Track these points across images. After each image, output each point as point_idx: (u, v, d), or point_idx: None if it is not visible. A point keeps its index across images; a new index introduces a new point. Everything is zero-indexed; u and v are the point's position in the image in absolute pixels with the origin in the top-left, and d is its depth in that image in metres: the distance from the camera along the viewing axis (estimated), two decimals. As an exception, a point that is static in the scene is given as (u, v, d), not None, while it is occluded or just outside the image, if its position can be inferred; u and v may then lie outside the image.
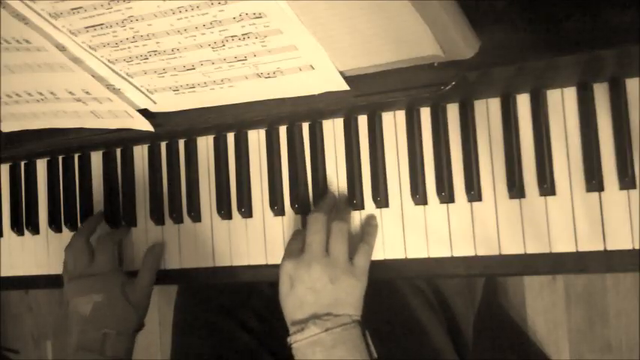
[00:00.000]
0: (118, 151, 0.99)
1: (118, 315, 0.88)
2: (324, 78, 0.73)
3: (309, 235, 0.77)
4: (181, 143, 0.95)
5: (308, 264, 0.75)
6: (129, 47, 0.74)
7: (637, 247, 0.71)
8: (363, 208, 0.84)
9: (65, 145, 0.98)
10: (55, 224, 1.03)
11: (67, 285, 0.92)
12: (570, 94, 0.75)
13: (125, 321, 0.88)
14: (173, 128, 0.86)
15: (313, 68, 0.72)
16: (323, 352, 0.73)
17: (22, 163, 1.07)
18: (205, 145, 0.93)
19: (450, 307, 1.00)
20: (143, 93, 0.82)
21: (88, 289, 0.89)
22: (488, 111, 0.78)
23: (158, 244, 0.93)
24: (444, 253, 0.79)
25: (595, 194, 0.73)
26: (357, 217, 0.84)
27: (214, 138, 0.92)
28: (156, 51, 0.74)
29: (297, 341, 0.74)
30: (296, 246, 0.79)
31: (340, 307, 0.75)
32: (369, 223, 0.82)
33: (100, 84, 0.79)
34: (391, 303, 0.92)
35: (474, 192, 0.78)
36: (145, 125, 0.84)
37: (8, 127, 0.92)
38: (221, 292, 1.05)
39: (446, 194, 0.79)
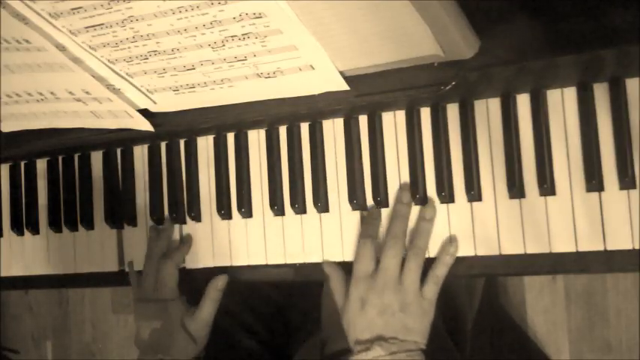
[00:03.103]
0: (118, 151, 0.99)
1: (174, 344, 0.88)
2: (324, 78, 0.73)
3: (386, 258, 0.77)
4: (181, 143, 0.95)
5: (382, 290, 0.76)
6: (129, 47, 0.74)
7: (637, 247, 0.71)
8: (363, 208, 0.83)
9: (65, 145, 0.98)
10: (55, 224, 1.03)
11: (134, 304, 0.92)
12: (570, 94, 0.75)
13: (180, 351, 0.88)
14: (173, 128, 0.86)
15: (313, 68, 0.72)
16: None
17: (22, 163, 1.07)
18: (205, 145, 0.93)
19: (449, 306, 1.00)
20: (143, 93, 0.82)
21: (150, 315, 0.89)
22: (488, 111, 0.78)
23: (222, 277, 0.90)
24: (444, 253, 0.79)
25: (595, 194, 0.73)
26: (357, 217, 0.84)
27: (214, 138, 0.92)
28: (156, 51, 0.74)
29: None
30: (367, 266, 0.78)
31: (407, 333, 0.75)
32: (447, 251, 0.78)
33: (100, 84, 0.79)
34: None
35: (473, 192, 0.78)
36: (145, 125, 0.84)
37: (8, 127, 0.92)
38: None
39: (446, 194, 0.79)
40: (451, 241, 0.78)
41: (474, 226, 0.78)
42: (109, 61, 0.77)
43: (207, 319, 0.90)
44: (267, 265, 0.89)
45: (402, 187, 0.81)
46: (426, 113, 0.81)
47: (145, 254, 0.94)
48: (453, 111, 0.80)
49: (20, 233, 1.07)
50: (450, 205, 0.79)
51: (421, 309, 0.76)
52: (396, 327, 0.75)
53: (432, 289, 0.77)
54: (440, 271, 0.77)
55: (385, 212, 0.82)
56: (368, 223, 0.82)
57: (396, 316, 0.75)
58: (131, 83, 0.80)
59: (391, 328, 0.75)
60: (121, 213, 0.98)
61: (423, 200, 0.81)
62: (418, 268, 0.77)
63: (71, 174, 1.03)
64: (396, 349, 0.73)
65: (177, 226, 0.95)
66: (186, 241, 0.93)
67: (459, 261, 0.79)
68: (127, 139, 0.94)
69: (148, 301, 0.90)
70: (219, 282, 0.90)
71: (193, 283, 0.94)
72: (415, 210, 0.81)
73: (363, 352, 0.74)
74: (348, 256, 0.84)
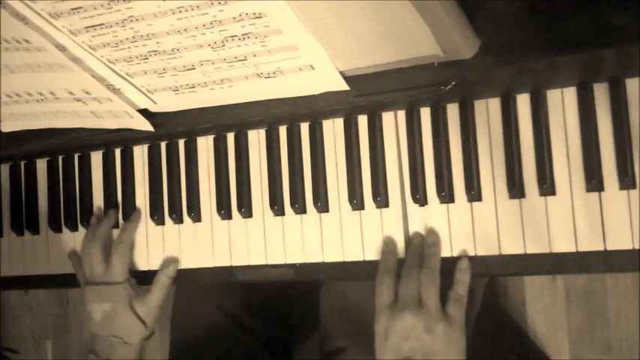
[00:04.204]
0: (118, 151, 0.99)
1: (125, 326, 0.90)
2: (324, 78, 0.73)
3: (402, 286, 0.76)
4: (181, 143, 0.95)
5: (401, 314, 0.74)
6: (129, 47, 0.74)
7: (637, 247, 0.71)
8: (363, 208, 0.84)
9: (65, 145, 0.98)
10: (54, 224, 1.03)
11: (84, 288, 0.94)
12: (570, 94, 0.75)
13: (131, 332, 0.90)
14: (173, 128, 0.86)
15: (313, 68, 0.72)
16: None
17: (22, 163, 1.07)
18: (205, 145, 0.93)
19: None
20: (143, 93, 0.82)
21: (100, 297, 0.91)
22: (488, 111, 0.78)
23: (173, 263, 0.92)
24: (445, 253, 0.79)
25: (595, 194, 0.73)
26: (357, 217, 0.84)
27: (214, 138, 0.92)
28: (156, 51, 0.74)
29: None
30: (387, 298, 0.77)
31: (437, 356, 0.72)
32: (459, 269, 0.77)
33: (100, 84, 0.79)
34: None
35: (474, 192, 0.78)
36: (145, 125, 0.85)
37: (8, 127, 0.92)
38: (221, 292, 1.05)
39: (446, 194, 0.79)
40: (461, 258, 0.78)
41: (474, 226, 0.78)
42: (109, 61, 0.77)
43: (156, 304, 0.92)
44: (267, 265, 0.88)
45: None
46: (426, 113, 0.81)
47: (85, 240, 0.96)
48: (453, 111, 0.80)
49: (20, 233, 1.07)
50: (450, 205, 0.79)
51: (448, 327, 0.73)
52: (424, 349, 0.72)
53: (455, 307, 0.75)
54: (459, 289, 0.76)
55: (386, 212, 0.82)
56: (384, 257, 0.81)
57: (421, 338, 0.73)
58: (131, 83, 0.80)
59: (419, 351, 0.72)
60: (120, 213, 0.98)
61: (424, 201, 0.81)
62: (434, 287, 0.75)
63: (71, 174, 1.03)
64: None
65: (176, 227, 0.95)
66: (133, 219, 0.95)
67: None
68: (127, 139, 0.94)
69: (98, 285, 0.92)
70: (170, 269, 0.92)
71: (193, 283, 0.94)
72: (417, 210, 0.81)
73: None
74: (348, 257, 0.84)
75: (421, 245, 0.80)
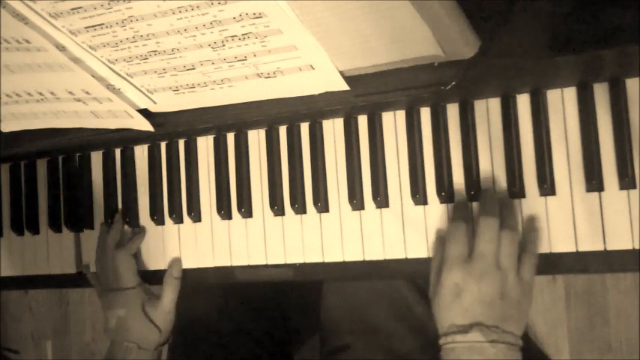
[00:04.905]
0: (118, 151, 0.99)
1: (138, 331, 0.90)
2: (324, 78, 0.73)
3: (482, 243, 0.72)
4: (181, 143, 0.95)
5: (480, 276, 0.71)
6: (129, 47, 0.74)
7: (637, 247, 0.71)
8: (363, 208, 0.84)
9: (65, 145, 0.98)
10: (55, 224, 1.03)
11: (100, 297, 0.95)
12: (570, 94, 0.75)
13: (145, 337, 0.91)
14: (173, 128, 0.86)
15: (313, 68, 0.72)
16: None
17: (22, 163, 1.07)
18: (205, 145, 0.93)
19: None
20: (143, 93, 0.82)
21: (115, 304, 0.92)
22: (488, 111, 0.78)
23: (175, 264, 0.93)
24: (444, 253, 0.79)
25: (595, 194, 0.73)
26: (357, 217, 0.84)
27: (214, 138, 0.92)
28: (156, 51, 0.74)
29: (457, 342, 0.70)
30: (462, 251, 0.73)
31: (508, 324, 0.71)
32: (532, 228, 0.75)
33: (100, 84, 0.79)
34: (390, 299, 0.92)
35: (473, 192, 0.78)
36: (145, 125, 0.85)
37: (8, 127, 0.92)
38: (221, 292, 1.05)
39: (446, 194, 0.79)
40: (532, 218, 0.76)
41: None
42: (109, 61, 0.77)
43: (168, 308, 0.92)
44: (267, 265, 0.88)
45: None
46: (426, 113, 0.81)
47: (97, 250, 0.97)
48: (453, 111, 0.80)
49: (20, 233, 1.07)
50: (450, 205, 0.79)
51: (521, 294, 0.71)
52: (496, 316, 0.70)
53: (529, 270, 0.72)
54: (532, 248, 0.74)
55: (386, 212, 0.82)
56: (459, 207, 0.78)
57: (496, 304, 0.70)
58: (131, 83, 0.80)
59: (492, 317, 0.70)
60: (121, 213, 0.98)
61: (423, 201, 0.81)
62: (515, 250, 0.72)
63: (71, 174, 1.03)
64: (497, 337, 0.69)
65: (176, 227, 0.95)
66: (139, 231, 0.96)
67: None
68: (127, 139, 0.94)
69: (112, 291, 0.93)
70: (174, 270, 0.92)
71: (193, 283, 0.94)
72: (417, 210, 0.81)
73: (459, 333, 0.70)
74: (348, 257, 0.84)
75: (495, 197, 0.76)
